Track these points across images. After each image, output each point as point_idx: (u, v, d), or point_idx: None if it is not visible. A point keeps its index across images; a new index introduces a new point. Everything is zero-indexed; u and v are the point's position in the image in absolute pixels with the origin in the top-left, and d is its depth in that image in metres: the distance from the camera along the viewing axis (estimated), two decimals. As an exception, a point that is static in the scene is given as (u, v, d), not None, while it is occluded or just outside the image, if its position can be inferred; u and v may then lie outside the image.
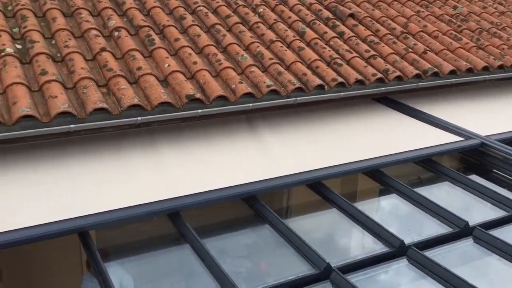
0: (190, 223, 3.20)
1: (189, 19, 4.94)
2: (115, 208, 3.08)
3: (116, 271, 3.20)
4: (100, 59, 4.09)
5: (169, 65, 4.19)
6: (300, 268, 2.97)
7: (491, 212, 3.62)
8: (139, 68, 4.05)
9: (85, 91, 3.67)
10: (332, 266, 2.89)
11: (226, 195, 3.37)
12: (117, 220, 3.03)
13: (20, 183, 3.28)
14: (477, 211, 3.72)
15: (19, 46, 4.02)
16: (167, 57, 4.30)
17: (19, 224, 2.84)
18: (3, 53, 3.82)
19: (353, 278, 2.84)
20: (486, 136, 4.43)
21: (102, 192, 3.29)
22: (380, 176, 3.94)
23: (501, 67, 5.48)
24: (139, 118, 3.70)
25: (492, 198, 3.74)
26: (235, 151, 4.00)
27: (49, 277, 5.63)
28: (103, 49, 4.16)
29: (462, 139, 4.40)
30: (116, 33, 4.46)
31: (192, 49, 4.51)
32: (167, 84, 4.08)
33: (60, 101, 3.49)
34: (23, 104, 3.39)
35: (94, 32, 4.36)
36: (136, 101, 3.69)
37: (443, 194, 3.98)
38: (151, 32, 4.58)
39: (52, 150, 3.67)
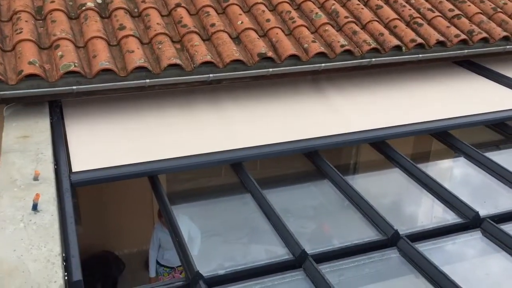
0: (254, 175, 3.27)
1: (264, -26, 4.83)
2: (183, 155, 3.22)
3: (184, 220, 3.33)
4: (175, 14, 4.13)
5: (242, 22, 4.15)
6: (366, 233, 2.93)
7: None
8: (213, 25, 4.05)
9: (160, 46, 3.74)
10: (400, 233, 2.82)
11: (288, 148, 3.40)
12: (184, 166, 3.18)
13: (96, 132, 3.44)
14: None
15: (99, 1, 4.13)
16: (241, 14, 4.26)
17: (99, 165, 3.06)
18: (84, 7, 3.95)
19: (421, 247, 2.77)
20: None
21: (172, 142, 3.40)
22: (449, 139, 3.78)
23: None
24: (211, 75, 3.72)
25: None
26: (299, 109, 3.96)
27: (123, 226, 5.98)
28: (178, 5, 4.19)
29: None
30: (191, -11, 4.46)
31: (265, 6, 4.44)
32: (240, 41, 4.05)
33: (137, 56, 3.58)
34: (103, 58, 3.51)
35: (169, -13, 4.39)
36: (208, 58, 3.71)
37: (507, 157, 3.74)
38: (225, -12, 4.54)
39: (128, 103, 3.80)
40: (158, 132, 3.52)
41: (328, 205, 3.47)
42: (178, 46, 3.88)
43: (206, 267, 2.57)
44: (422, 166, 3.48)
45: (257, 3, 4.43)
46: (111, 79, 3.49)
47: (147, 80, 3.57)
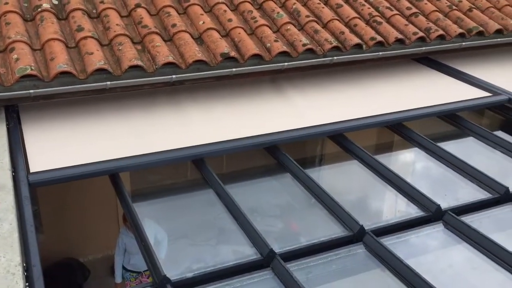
0: (219, 173, 3.29)
1: (224, -26, 4.81)
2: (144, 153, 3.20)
3: (150, 223, 3.28)
4: (135, 15, 4.06)
5: (204, 22, 4.12)
6: (332, 230, 2.96)
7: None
8: (174, 25, 4.01)
9: (120, 48, 3.67)
10: (366, 228, 2.86)
11: (248, 143, 3.43)
12: (145, 163, 3.16)
13: (55, 136, 3.36)
14: (506, 170, 3.62)
15: (55, 2, 4.01)
16: (202, 14, 4.23)
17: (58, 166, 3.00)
18: (40, 9, 3.83)
19: (387, 241, 2.82)
20: None
21: (134, 142, 3.36)
22: (404, 131, 3.89)
23: (551, 26, 5.17)
24: (173, 76, 3.68)
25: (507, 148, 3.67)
26: (260, 108, 3.98)
27: (87, 231, 5.85)
28: (138, 5, 4.12)
29: (490, 94, 4.28)
30: (150, -11, 4.40)
31: (227, 6, 4.42)
32: (202, 41, 4.02)
33: (97, 58, 3.50)
34: (61, 60, 3.42)
35: (128, -13, 4.31)
36: (171, 58, 3.66)
37: (471, 152, 3.87)
38: (186, -12, 4.50)
39: (89, 106, 3.72)
40: (120, 134, 3.46)
41: (294, 202, 3.49)
42: (139, 47, 3.81)
43: (174, 270, 2.54)
44: (383, 160, 3.55)
45: (219, 3, 4.41)
46: (70, 82, 3.41)
47: (108, 83, 3.49)
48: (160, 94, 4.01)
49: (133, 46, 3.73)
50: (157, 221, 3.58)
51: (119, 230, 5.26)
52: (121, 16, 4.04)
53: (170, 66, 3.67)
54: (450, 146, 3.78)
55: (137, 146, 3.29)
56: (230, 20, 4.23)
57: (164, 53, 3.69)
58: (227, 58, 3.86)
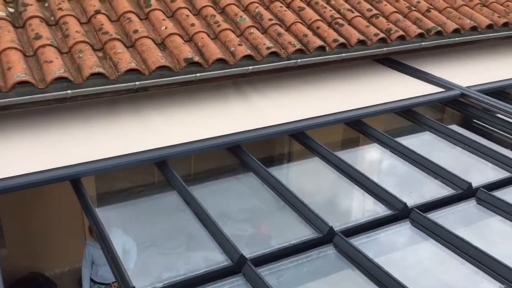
0: (186, 177, 3.31)
1: (186, -21, 4.78)
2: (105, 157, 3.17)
3: (117, 232, 3.22)
4: (95, 22, 3.98)
5: (166, 28, 4.08)
6: (302, 232, 2.96)
7: (481, 167, 3.65)
8: (136, 31, 3.94)
9: (80, 55, 3.58)
10: (335, 229, 2.88)
11: (211, 144, 3.44)
12: (106, 167, 3.11)
13: (14, 149, 3.25)
14: (464, 164, 3.73)
15: (11, 10, 3.89)
16: (164, 19, 4.18)
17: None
18: (-6, 17, 3.71)
19: (356, 241, 2.84)
20: (467, 87, 4.47)
21: (96, 150, 3.30)
22: (364, 127, 3.98)
23: (505, 24, 5.35)
24: (137, 82, 3.62)
25: (472, 147, 3.81)
26: (223, 111, 3.98)
27: (53, 244, 5.69)
28: (97, 12, 4.04)
29: (444, 90, 4.43)
30: (110, -5, 4.32)
31: (189, 11, 4.39)
32: (165, 47, 3.98)
33: (56, 66, 3.41)
34: (18, 70, 3.31)
35: (87, -7, 4.23)
36: (133, 65, 3.60)
37: (429, 147, 3.98)
38: (147, -7, 4.45)
39: (50, 115, 3.62)
40: (82, 142, 3.39)
41: (262, 204, 3.49)
42: (100, 54, 3.74)
43: (143, 281, 2.49)
44: (348, 158, 3.58)
45: (181, 7, 4.37)
46: (29, 91, 3.30)
47: (69, 91, 3.40)
48: (123, 101, 3.94)
49: (94, 53, 3.65)
50: (124, 229, 3.51)
51: (85, 241, 5.13)
52: (81, 23, 3.95)
53: (133, 72, 3.61)
54: (410, 142, 3.88)
55: (99, 152, 3.22)
56: (193, 24, 4.19)
57: (126, 60, 3.62)
58: (191, 63, 3.82)
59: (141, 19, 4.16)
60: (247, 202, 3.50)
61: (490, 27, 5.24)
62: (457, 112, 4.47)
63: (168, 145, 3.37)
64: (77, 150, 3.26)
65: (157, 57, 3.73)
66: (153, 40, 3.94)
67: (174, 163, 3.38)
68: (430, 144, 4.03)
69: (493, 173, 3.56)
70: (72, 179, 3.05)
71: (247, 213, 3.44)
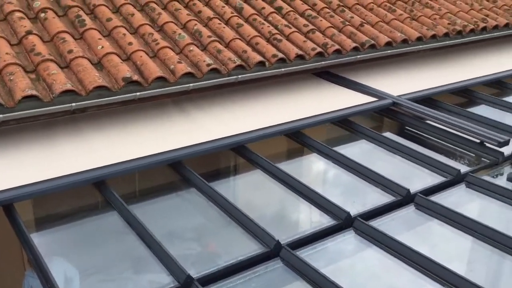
0: (126, 198, 3.21)
1: (121, -3, 4.73)
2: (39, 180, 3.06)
3: (58, 260, 3.08)
4: (27, 43, 3.84)
5: (102, 47, 4.00)
6: (250, 247, 2.95)
7: (415, 172, 3.81)
8: (70, 51, 3.84)
9: (11, 78, 3.44)
10: (282, 243, 2.89)
11: (150, 162, 3.41)
12: (40, 191, 3.01)
13: None
14: (402, 171, 3.87)
15: None
16: (100, 39, 4.09)
17: None
18: None
19: (302, 253, 2.87)
20: (398, 96, 4.71)
21: (30, 175, 3.16)
22: (303, 138, 4.08)
23: (433, 36, 5.64)
24: (73, 104, 3.52)
25: (407, 153, 3.97)
26: (164, 129, 3.95)
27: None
28: (29, 32, 3.91)
29: (377, 99, 4.65)
30: (42, 15, 4.20)
31: (126, 29, 4.33)
32: (102, 67, 3.89)
33: (-15, 90, 3.26)
34: None
35: (18, 14, 4.09)
36: (69, 86, 3.50)
37: (367, 155, 4.12)
38: (81, 13, 4.35)
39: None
40: (15, 166, 3.25)
41: (208, 221, 3.44)
42: (33, 76, 3.60)
43: (87, 310, 2.39)
44: (290, 170, 3.62)
45: (117, 26, 4.30)
46: (-43, 117, 3.13)
47: (0, 115, 3.26)
48: (61, 123, 3.81)
49: (26, 75, 3.52)
50: (65, 256, 3.36)
51: (25, 272, 4.88)
52: (11, 44, 3.81)
53: (68, 94, 3.51)
54: (348, 151, 3.98)
55: (34, 175, 3.10)
56: (130, 43, 4.13)
57: (61, 81, 3.51)
58: (130, 82, 3.76)
59: (76, 39, 4.06)
60: (192, 220, 3.46)
61: (419, 39, 5.51)
62: (390, 120, 4.68)
63: (106, 164, 3.29)
64: (9, 174, 3.12)
65: (94, 77, 3.64)
66: (89, 60, 3.85)
67: (115, 183, 3.29)
68: (368, 152, 4.17)
69: (430, 179, 3.70)
70: (4, 205, 2.91)
71: (194, 231, 3.39)
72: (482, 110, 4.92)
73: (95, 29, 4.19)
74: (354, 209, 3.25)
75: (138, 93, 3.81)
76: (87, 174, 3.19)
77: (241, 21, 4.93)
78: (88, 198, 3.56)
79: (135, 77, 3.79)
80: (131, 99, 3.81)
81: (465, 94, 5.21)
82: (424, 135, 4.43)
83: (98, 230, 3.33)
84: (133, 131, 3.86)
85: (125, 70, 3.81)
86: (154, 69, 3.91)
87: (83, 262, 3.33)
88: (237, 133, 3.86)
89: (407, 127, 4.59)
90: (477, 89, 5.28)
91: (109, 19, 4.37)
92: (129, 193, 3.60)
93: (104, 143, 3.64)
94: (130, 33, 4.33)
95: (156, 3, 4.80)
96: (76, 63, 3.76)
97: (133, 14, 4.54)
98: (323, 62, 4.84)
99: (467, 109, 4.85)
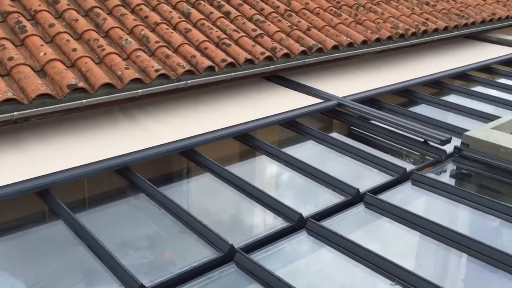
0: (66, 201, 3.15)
1: (64, 2, 4.59)
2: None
3: (2, 276, 2.95)
4: (-37, 50, 3.67)
5: (45, 54, 3.87)
6: (204, 253, 2.93)
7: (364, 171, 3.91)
8: (11, 59, 3.69)
9: None
10: (236, 247, 2.89)
11: (97, 168, 3.36)
12: None
13: None
14: (351, 171, 3.96)
15: None
16: (42, 45, 3.96)
17: None
18: None
19: (256, 256, 2.87)
20: (342, 97, 4.86)
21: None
22: (251, 140, 4.12)
23: (378, 40, 5.82)
24: (15, 113, 3.39)
25: (354, 153, 4.08)
26: (112, 136, 3.89)
27: None
28: (-35, 39, 3.73)
29: (323, 101, 4.79)
30: (-21, 21, 4.02)
31: (70, 35, 4.21)
32: (45, 74, 3.77)
33: None
34: None
35: (-48, 20, 3.90)
36: (10, 94, 3.37)
37: (314, 155, 4.20)
38: (22, 19, 4.20)
39: None
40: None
41: (160, 228, 3.39)
42: (-29, 84, 3.44)
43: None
44: (241, 173, 3.63)
45: (61, 32, 4.18)
46: None
47: None
48: (2, 132, 3.65)
49: (-37, 84, 3.36)
50: (10, 271, 3.21)
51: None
52: None
53: (10, 102, 3.38)
54: (298, 153, 4.03)
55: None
56: (74, 49, 4.02)
57: (1, 89, 3.38)
58: (75, 89, 3.66)
59: (16, 46, 3.91)
60: (143, 227, 3.38)
61: (364, 42, 5.67)
62: (337, 121, 4.81)
63: (50, 172, 3.20)
64: None
65: (36, 85, 3.52)
66: (31, 67, 3.72)
67: (60, 192, 3.19)
68: (317, 153, 4.24)
69: (378, 178, 3.80)
70: None
71: (145, 239, 3.33)
72: (422, 109, 5.14)
73: (36, 35, 4.05)
74: (306, 210, 3.29)
75: (84, 100, 3.72)
76: (30, 183, 3.09)
77: (189, 26, 4.90)
78: (33, 208, 3.43)
79: (81, 84, 3.70)
80: (77, 106, 3.72)
81: (406, 94, 5.42)
82: (370, 135, 4.57)
83: (45, 242, 3.20)
84: (79, 139, 3.76)
85: (70, 77, 3.70)
86: (100, 76, 3.82)
87: (30, 277, 3.20)
88: (186, 137, 3.83)
89: (352, 127, 4.73)
90: (417, 89, 5.50)
91: (51, 25, 4.24)
92: (75, 202, 3.50)
93: (48, 152, 3.53)
94: (75, 39, 4.21)
95: (101, 8, 4.70)
96: (17, 70, 3.62)
97: (77, 20, 4.42)
98: (272, 66, 4.89)
99: (408, 109, 5.05)
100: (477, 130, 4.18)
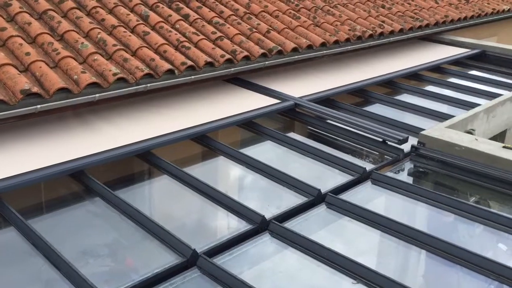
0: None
1: (16, 5, 4.44)
2: None
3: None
4: None
5: (-4, 58, 3.73)
6: (166, 259, 2.89)
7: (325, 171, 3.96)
8: (-41, 63, 3.55)
9: None
10: (198, 251, 2.86)
11: (49, 173, 3.30)
12: None
13: None
14: (311, 171, 4.01)
15: None
16: (-7, 49, 3.83)
17: None
18: None
19: (220, 260, 2.85)
20: (299, 97, 4.95)
21: None
22: (210, 142, 4.13)
23: (336, 42, 5.90)
24: (-36, 120, 3.25)
25: (312, 153, 4.13)
26: (66, 141, 3.80)
27: None
28: None
29: (280, 101, 4.86)
30: None
31: (23, 39, 4.08)
32: (-3, 79, 3.64)
33: None
34: None
35: None
36: (-41, 101, 3.23)
37: (273, 156, 4.23)
38: (-29, 22, 4.04)
39: None
40: None
41: (120, 235, 3.32)
42: None
43: None
44: (201, 176, 3.60)
45: (13, 36, 4.04)
46: None
47: None
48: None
49: None
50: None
51: None
52: None
53: (-42, 109, 3.24)
54: (257, 154, 4.04)
55: None
56: (28, 53, 3.90)
57: (-51, 96, 3.23)
58: (29, 94, 3.55)
59: (-35, 50, 3.76)
60: (103, 234, 3.31)
61: (323, 44, 5.74)
62: (294, 121, 4.87)
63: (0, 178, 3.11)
64: None
65: (-13, 91, 3.39)
66: (-19, 72, 3.58)
67: (12, 198, 3.09)
68: (277, 154, 4.27)
69: (339, 178, 3.85)
70: None
71: (105, 246, 3.25)
72: (377, 108, 5.26)
73: (-13, 39, 3.91)
74: (268, 212, 3.30)
75: (39, 106, 3.61)
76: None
77: (147, 29, 4.83)
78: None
79: (35, 89, 3.58)
80: (31, 112, 3.60)
81: (361, 94, 5.54)
82: (328, 134, 4.64)
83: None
84: (32, 145, 3.64)
85: (23, 82, 3.58)
86: (55, 80, 3.72)
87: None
88: (143, 139, 3.80)
89: (310, 127, 4.80)
90: (372, 89, 5.64)
91: (3, 29, 4.10)
92: (28, 208, 3.39)
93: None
94: (28, 43, 4.08)
95: (55, 11, 4.57)
96: (-33, 75, 3.48)
97: (30, 23, 4.28)
98: (232, 69, 4.88)
99: (364, 108, 5.17)
100: (432, 129, 4.30)
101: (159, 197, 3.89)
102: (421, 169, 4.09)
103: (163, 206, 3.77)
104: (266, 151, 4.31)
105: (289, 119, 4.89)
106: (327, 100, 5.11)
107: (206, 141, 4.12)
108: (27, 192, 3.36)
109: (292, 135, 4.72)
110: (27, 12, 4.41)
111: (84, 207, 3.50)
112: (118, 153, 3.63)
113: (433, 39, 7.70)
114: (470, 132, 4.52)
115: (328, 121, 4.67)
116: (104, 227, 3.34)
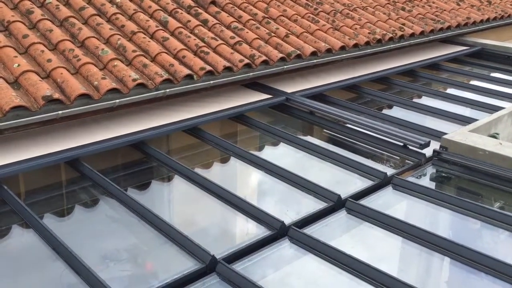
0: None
1: (38, 13, 4.52)
2: None
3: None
4: None
5: (19, 65, 3.79)
6: (185, 264, 2.88)
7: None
8: (-17, 70, 3.61)
9: None
10: (217, 257, 2.85)
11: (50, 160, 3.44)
12: None
13: None
14: (331, 175, 3.98)
15: None
16: (16, 56, 3.89)
17: None
18: None
19: (239, 266, 2.84)
20: (291, 92, 5.03)
21: None
22: (201, 133, 4.24)
23: (356, 45, 5.85)
24: (-12, 127, 3.30)
25: (330, 157, 4.11)
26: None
27: None
28: None
29: (272, 96, 4.95)
30: (-50, 33, 3.92)
31: (44, 46, 4.14)
32: (19, 86, 3.70)
33: None
34: None
35: None
36: (-18, 107, 3.28)
37: (287, 157, 4.24)
38: (-6, 29, 4.12)
39: None
40: None
41: (140, 240, 3.33)
42: None
43: None
44: (220, 181, 3.59)
45: (34, 43, 4.10)
46: None
47: None
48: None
49: None
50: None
51: None
52: None
53: (-18, 116, 3.29)
54: (273, 157, 4.01)
55: None
56: (49, 60, 3.95)
57: (-27, 102, 3.29)
58: (51, 100, 3.59)
59: (-11, 58, 3.83)
60: (124, 239, 3.32)
61: (342, 48, 5.69)
62: (314, 125, 4.87)
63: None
64: None
65: (10, 97, 3.44)
66: (4, 79, 3.64)
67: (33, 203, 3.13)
68: (295, 158, 4.26)
69: (359, 183, 3.80)
70: None
71: (124, 251, 3.26)
72: (396, 112, 5.20)
73: (10, 46, 3.97)
74: (288, 218, 3.27)
75: (60, 112, 3.65)
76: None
77: (166, 34, 4.86)
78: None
79: (56, 95, 3.63)
80: (53, 118, 3.64)
81: (380, 98, 5.51)
82: (347, 138, 4.58)
83: (20, 255, 3.12)
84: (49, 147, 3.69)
85: (45, 88, 3.63)
86: (76, 86, 3.76)
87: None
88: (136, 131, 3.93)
89: (330, 132, 4.78)
90: (396, 93, 5.59)
91: (25, 36, 4.16)
92: (47, 211, 3.44)
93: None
94: (49, 50, 4.14)
95: (76, 18, 4.63)
96: (-10, 82, 3.54)
97: (51, 30, 4.35)
98: (251, 74, 4.87)
99: (383, 112, 5.13)
100: (455, 133, 4.22)
101: (178, 202, 3.89)
102: (443, 174, 4.01)
103: (182, 211, 3.77)
104: (284, 156, 4.28)
105: (308, 124, 4.86)
106: (347, 104, 5.07)
107: (197, 133, 4.24)
108: (43, 192, 3.40)
109: (311, 139, 4.69)
110: (48, 20, 4.48)
111: (103, 212, 3.52)
112: (114, 143, 3.76)
113: (455, 41, 7.59)
114: (494, 136, 4.42)
115: (348, 125, 4.62)
116: (123, 232, 3.35)
